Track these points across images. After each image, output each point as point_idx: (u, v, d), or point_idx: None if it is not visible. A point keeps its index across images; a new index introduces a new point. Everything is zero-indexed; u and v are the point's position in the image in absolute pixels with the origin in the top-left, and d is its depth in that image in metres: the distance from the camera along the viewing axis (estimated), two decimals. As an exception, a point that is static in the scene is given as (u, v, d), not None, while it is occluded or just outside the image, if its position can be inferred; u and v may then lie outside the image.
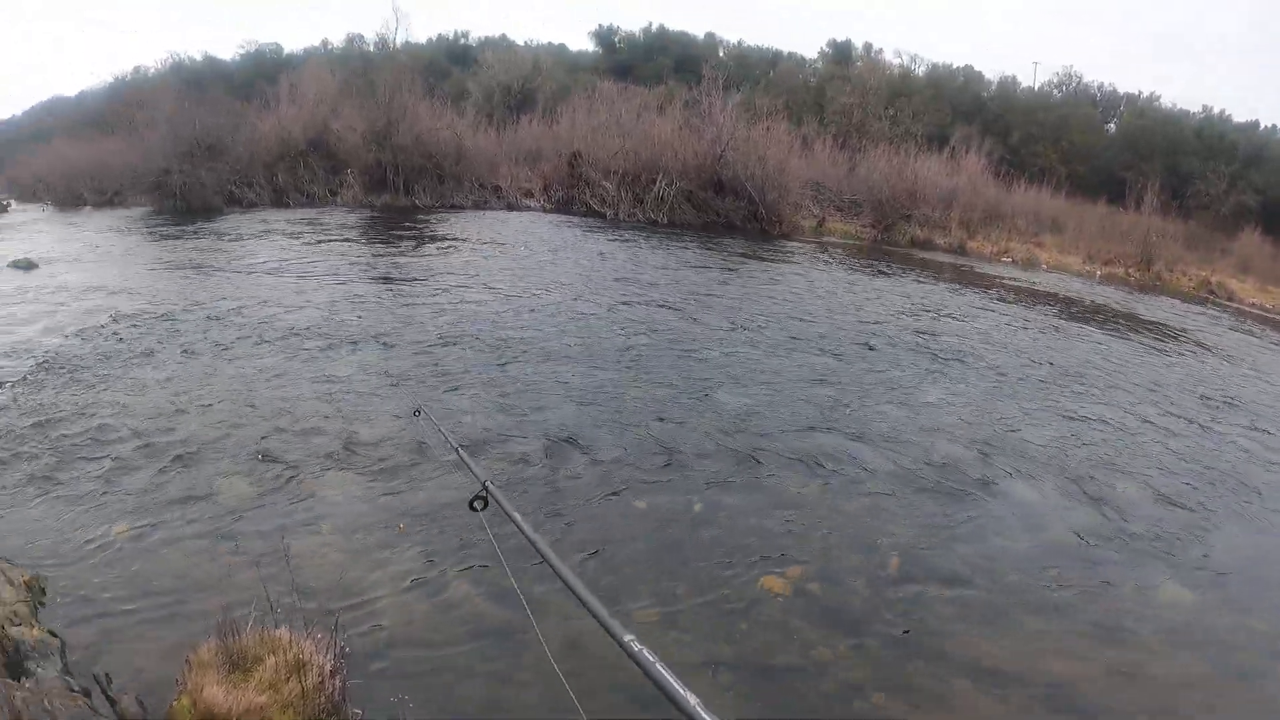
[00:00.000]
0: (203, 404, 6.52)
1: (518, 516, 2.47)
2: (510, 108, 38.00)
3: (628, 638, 1.76)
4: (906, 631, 3.94)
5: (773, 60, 49.61)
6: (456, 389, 7.11)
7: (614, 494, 5.34)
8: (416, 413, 4.71)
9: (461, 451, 3.05)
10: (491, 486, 2.60)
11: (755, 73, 43.58)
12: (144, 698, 3.16)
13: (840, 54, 47.65)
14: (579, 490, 5.37)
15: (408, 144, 22.06)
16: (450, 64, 48.20)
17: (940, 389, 8.09)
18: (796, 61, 49.24)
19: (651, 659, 1.65)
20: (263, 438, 5.87)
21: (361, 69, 28.17)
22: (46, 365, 7.35)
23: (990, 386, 8.35)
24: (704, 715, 1.47)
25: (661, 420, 6.67)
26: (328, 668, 2.93)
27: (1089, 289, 17.56)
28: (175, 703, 2.90)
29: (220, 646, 3.05)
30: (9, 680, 2.90)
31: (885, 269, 16.61)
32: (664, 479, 5.59)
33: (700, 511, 5.13)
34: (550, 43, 53.19)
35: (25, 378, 6.99)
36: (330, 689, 2.86)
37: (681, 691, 1.52)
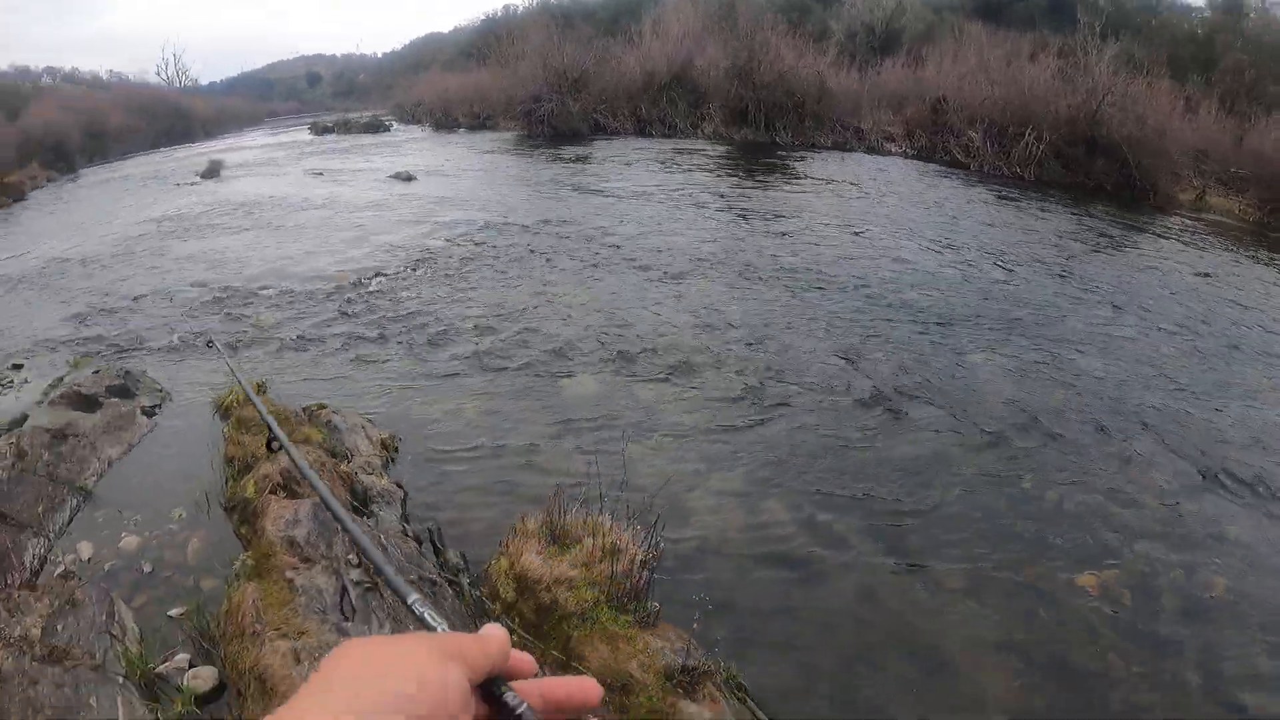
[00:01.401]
0: (561, 309, 7.05)
1: (304, 465, 2.31)
2: (873, 48, 36.94)
3: (412, 599, 1.56)
4: (1208, 665, 3.36)
5: (1154, 6, 43.64)
6: (813, 334, 6.80)
7: (942, 452, 4.87)
8: (209, 343, 4.74)
9: (251, 392, 2.90)
10: (280, 433, 2.47)
11: (1135, 20, 38.22)
12: (467, 553, 3.45)
13: (1231, 3, 40.85)
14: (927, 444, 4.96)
15: (770, 81, 22.32)
16: (813, 1, 47.89)
17: None
18: (1181, 9, 43.01)
19: (435, 620, 1.45)
20: (614, 346, 6.16)
21: (724, 6, 28.81)
22: (422, 261, 8.44)
23: None
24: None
25: (1021, 391, 5.93)
26: (639, 558, 2.95)
27: None
28: (493, 562, 3.08)
29: (546, 521, 3.20)
30: (353, 515, 3.27)
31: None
32: (1002, 449, 4.98)
33: (1029, 488, 4.55)
34: (914, -20, 50.55)
35: (403, 271, 8.06)
36: (637, 578, 2.87)
37: None
